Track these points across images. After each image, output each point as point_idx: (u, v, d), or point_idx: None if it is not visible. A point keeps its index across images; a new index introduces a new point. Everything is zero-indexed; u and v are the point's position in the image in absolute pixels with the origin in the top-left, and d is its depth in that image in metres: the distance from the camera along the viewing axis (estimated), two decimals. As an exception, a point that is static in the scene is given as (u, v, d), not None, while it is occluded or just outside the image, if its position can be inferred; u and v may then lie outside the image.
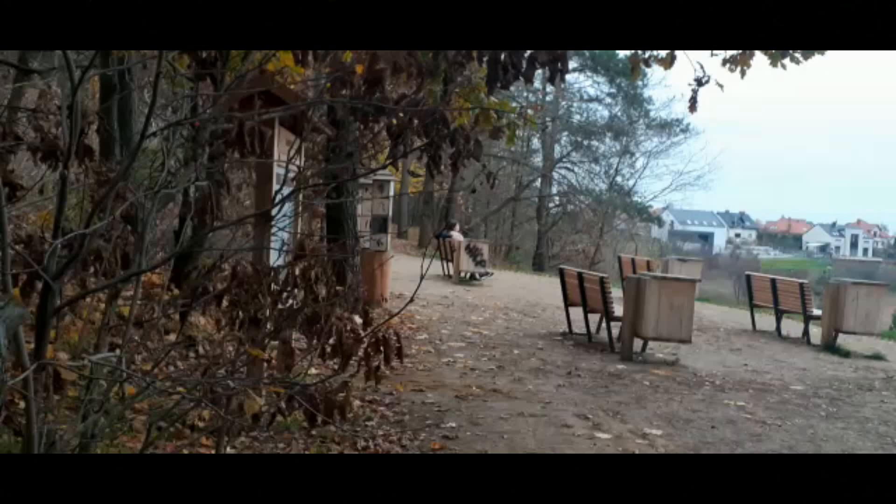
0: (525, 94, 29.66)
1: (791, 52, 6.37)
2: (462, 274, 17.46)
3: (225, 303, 3.82)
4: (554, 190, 35.96)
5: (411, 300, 3.73)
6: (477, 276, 17.56)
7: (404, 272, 13.10)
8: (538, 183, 35.33)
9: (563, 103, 34.30)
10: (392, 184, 14.00)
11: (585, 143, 34.24)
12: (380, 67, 3.91)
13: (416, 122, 4.06)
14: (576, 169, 34.76)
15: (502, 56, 3.92)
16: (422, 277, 3.20)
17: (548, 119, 32.80)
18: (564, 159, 34.96)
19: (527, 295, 16.07)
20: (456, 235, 19.16)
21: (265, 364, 4.64)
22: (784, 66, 6.55)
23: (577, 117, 34.68)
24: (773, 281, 12.59)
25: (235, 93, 3.84)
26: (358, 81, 4.10)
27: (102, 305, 5.70)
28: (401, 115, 4.06)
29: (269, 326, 3.69)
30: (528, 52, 3.95)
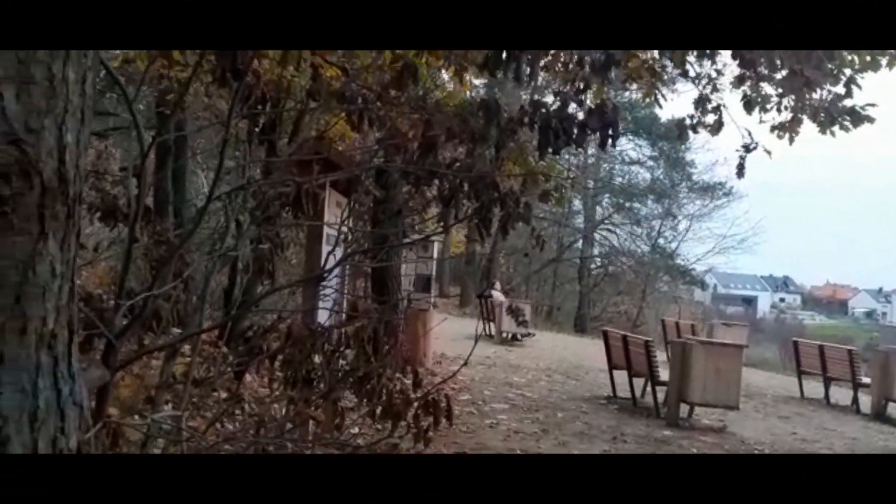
0: (566, 155, 29.83)
1: (840, 118, 6.37)
2: (504, 334, 17.39)
3: (278, 362, 3.88)
4: (595, 251, 35.82)
5: (465, 363, 3.74)
6: (519, 336, 17.47)
7: (447, 332, 13.09)
8: (580, 244, 35.25)
9: (605, 165, 34.39)
10: (436, 243, 14.10)
11: (627, 205, 34.18)
12: (433, 134, 4.00)
13: (466, 185, 4.13)
14: (617, 230, 34.64)
15: (553, 122, 3.99)
16: (476, 340, 3.22)
17: (589, 181, 32.88)
18: (606, 221, 34.89)
19: (569, 356, 15.92)
20: (497, 295, 19.15)
21: (315, 424, 4.67)
22: (833, 133, 6.54)
23: (618, 179, 34.71)
24: (821, 348, 12.34)
25: (299, 157, 3.95)
26: (411, 146, 4.20)
27: (153, 362, 5.80)
28: (452, 178, 4.13)
29: (321, 386, 3.73)
30: (580, 117, 4.02)
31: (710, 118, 7.16)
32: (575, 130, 3.94)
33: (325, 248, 6.10)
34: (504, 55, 3.64)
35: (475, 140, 3.98)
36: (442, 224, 5.00)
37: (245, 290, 6.20)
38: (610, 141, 4.10)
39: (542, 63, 3.72)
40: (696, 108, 7.23)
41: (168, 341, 3.36)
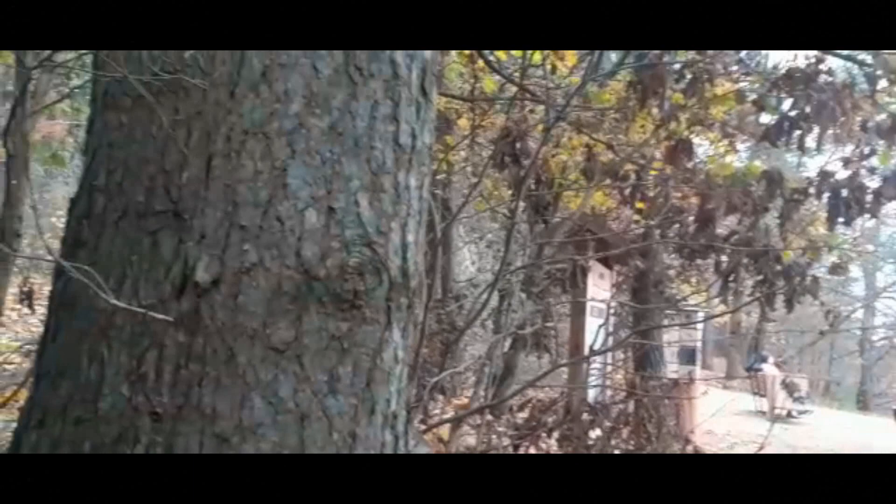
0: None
1: None
2: (777, 411, 16.20)
3: (555, 437, 3.92)
4: (878, 321, 32.55)
5: (761, 448, 3.55)
6: (794, 413, 16.18)
7: (711, 406, 12.45)
8: (860, 313, 32.24)
9: (886, 229, 31.42)
10: (700, 314, 13.58)
11: (914, 269, 30.87)
12: (711, 207, 3.93)
13: (745, 258, 3.99)
14: (904, 298, 31.30)
15: (843, 192, 3.77)
16: (747, 417, 3.05)
17: (868, 245, 30.17)
18: (889, 288, 31.68)
19: (854, 437, 14.46)
20: (768, 369, 17.93)
21: None
22: None
23: (902, 242, 31.52)
24: None
25: (578, 238, 4.06)
26: (686, 220, 4.14)
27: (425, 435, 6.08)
28: (731, 251, 4.02)
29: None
30: (874, 186, 3.77)
31: None
32: (868, 199, 3.69)
33: (590, 321, 6.13)
34: (787, 125, 3.51)
35: (756, 212, 3.84)
36: (716, 296, 4.83)
37: (510, 363, 6.36)
38: (909, 208, 3.78)
39: (829, 132, 3.53)
40: None
41: (460, 415, 3.53)
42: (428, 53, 1.56)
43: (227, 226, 1.44)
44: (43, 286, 5.82)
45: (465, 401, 7.48)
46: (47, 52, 4.24)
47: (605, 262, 7.13)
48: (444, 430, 3.99)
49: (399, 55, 1.50)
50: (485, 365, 3.34)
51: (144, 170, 3.81)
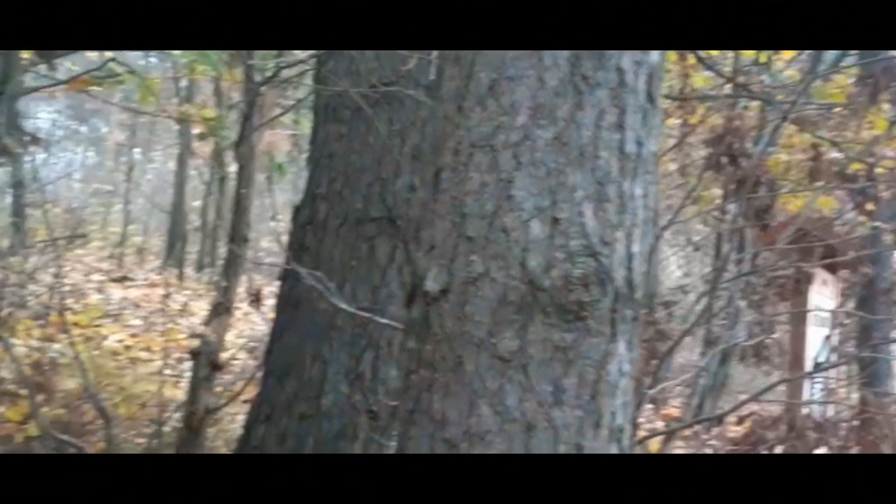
0: None
1: None
2: None
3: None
4: None
5: None
6: None
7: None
8: None
9: None
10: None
11: None
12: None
13: None
14: None
15: None
16: None
17: None
18: None
19: None
20: None
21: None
22: None
23: None
24: None
25: (804, 244, 3.83)
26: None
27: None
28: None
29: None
30: None
31: None
32: None
33: (813, 330, 5.74)
34: None
35: None
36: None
37: (724, 374, 6.08)
38: None
39: None
40: None
41: (674, 427, 3.43)
42: (655, 58, 1.53)
43: (454, 237, 1.47)
44: (263, 287, 6.27)
45: (673, 411, 7.25)
46: (273, 69, 4.58)
47: (829, 267, 6.65)
48: (654, 443, 3.88)
49: (626, 62, 1.48)
50: (699, 376, 3.21)
51: (362, 178, 4.04)
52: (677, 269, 12.52)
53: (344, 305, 2.81)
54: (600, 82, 1.46)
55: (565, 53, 1.45)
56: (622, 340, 1.47)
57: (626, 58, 1.48)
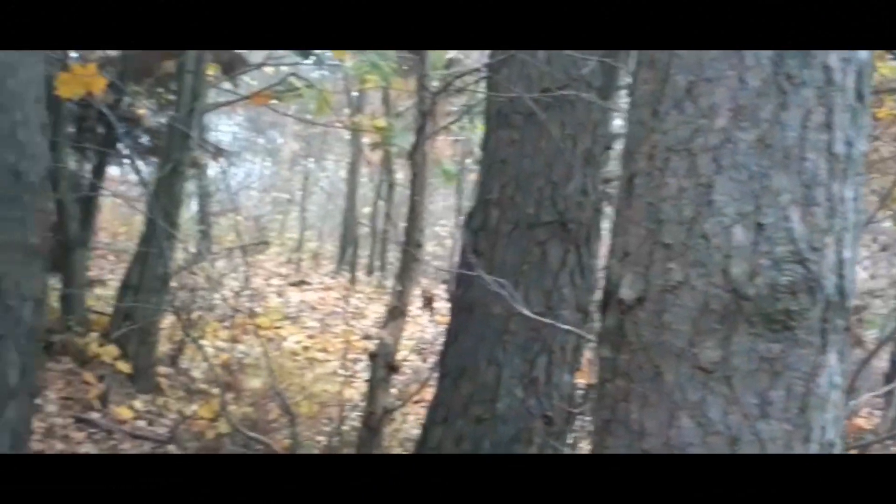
0: None
1: None
2: None
3: None
4: None
5: None
6: None
7: None
8: None
9: None
10: None
11: None
12: None
13: None
14: None
15: None
16: None
17: None
18: None
19: None
20: None
21: None
22: None
23: None
24: None
25: None
26: None
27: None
28: None
29: None
30: None
31: None
32: None
33: None
34: None
35: None
36: None
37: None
38: None
39: None
40: None
41: (864, 442, 3.22)
42: (864, 55, 1.44)
43: (650, 243, 1.45)
44: (431, 289, 6.39)
45: (860, 421, 6.79)
46: (446, 77, 4.67)
47: None
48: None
49: (833, 60, 1.40)
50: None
51: (534, 183, 4.05)
52: (862, 270, 11.72)
53: (525, 310, 2.83)
54: (806, 81, 1.39)
55: (768, 53, 1.39)
56: (833, 351, 1.40)
57: (834, 56, 1.41)
